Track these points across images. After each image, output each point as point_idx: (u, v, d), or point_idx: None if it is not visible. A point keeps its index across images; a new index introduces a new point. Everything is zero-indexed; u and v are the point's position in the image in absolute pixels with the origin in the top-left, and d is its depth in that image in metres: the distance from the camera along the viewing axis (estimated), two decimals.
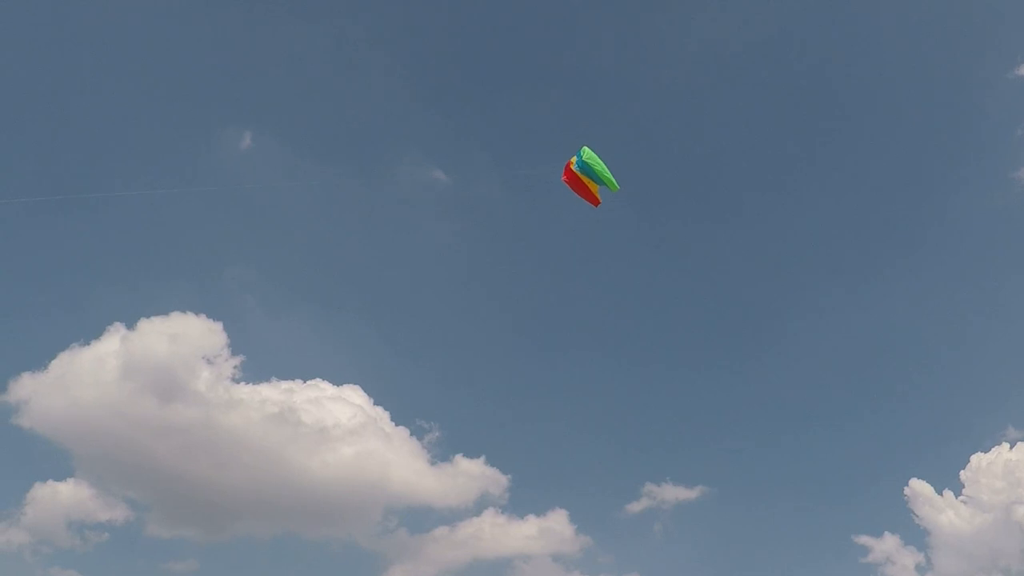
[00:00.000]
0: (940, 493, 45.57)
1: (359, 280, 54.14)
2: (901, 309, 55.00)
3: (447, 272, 55.31)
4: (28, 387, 43.66)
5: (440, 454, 47.64)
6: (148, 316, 45.40)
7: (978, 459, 45.60)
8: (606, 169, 24.56)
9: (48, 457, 43.66)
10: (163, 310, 45.68)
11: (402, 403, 48.71)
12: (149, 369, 44.33)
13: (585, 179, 25.07)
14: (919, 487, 45.71)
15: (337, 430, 46.18)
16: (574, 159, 24.94)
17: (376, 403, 47.93)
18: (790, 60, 58.24)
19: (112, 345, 45.03)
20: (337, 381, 48.28)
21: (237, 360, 46.63)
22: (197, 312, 46.20)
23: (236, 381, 46.56)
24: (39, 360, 43.90)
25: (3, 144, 48.22)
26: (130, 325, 45.17)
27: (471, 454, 47.55)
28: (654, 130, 58.83)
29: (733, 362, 53.94)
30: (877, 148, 57.89)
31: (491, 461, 47.26)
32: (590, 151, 24.66)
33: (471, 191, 56.20)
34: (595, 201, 25.64)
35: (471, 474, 47.31)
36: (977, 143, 56.48)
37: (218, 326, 46.55)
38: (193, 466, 44.23)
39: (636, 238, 57.11)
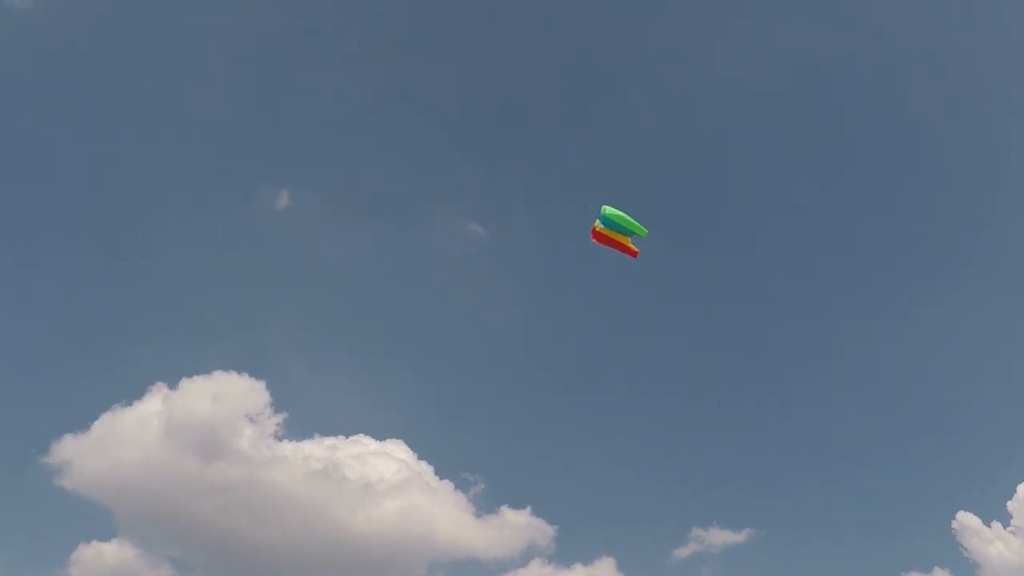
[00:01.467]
0: (988, 525, 45.26)
1: (399, 335, 54.66)
2: (943, 342, 55.51)
3: (487, 324, 56.02)
4: (70, 448, 44.03)
5: (485, 506, 47.71)
6: (190, 375, 46.09)
7: None
8: (630, 219, 25.51)
9: (91, 518, 43.85)
10: (205, 369, 46.41)
11: (446, 456, 48.91)
12: (191, 428, 44.82)
13: (614, 234, 26.04)
14: (967, 520, 45.40)
15: (381, 485, 46.31)
16: (598, 222, 25.92)
17: (420, 457, 48.17)
18: (824, 96, 60.60)
19: (154, 405, 45.59)
20: (380, 436, 48.65)
21: (280, 418, 47.20)
22: (240, 371, 46.96)
23: (279, 439, 47.06)
24: (81, 421, 44.36)
25: (48, 207, 48.99)
26: (172, 385, 45.82)
27: (517, 505, 47.56)
28: (690, 173, 60.67)
29: (776, 403, 54.30)
30: (919, 182, 59.66)
31: (537, 511, 47.22)
32: (610, 208, 25.59)
33: (509, 244, 57.56)
34: (632, 252, 26.45)
35: (517, 525, 47.21)
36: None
37: (260, 384, 47.21)
38: (237, 524, 44.22)
39: (676, 283, 58.26)
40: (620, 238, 26.12)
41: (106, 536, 43.37)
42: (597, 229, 26.02)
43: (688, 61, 60.97)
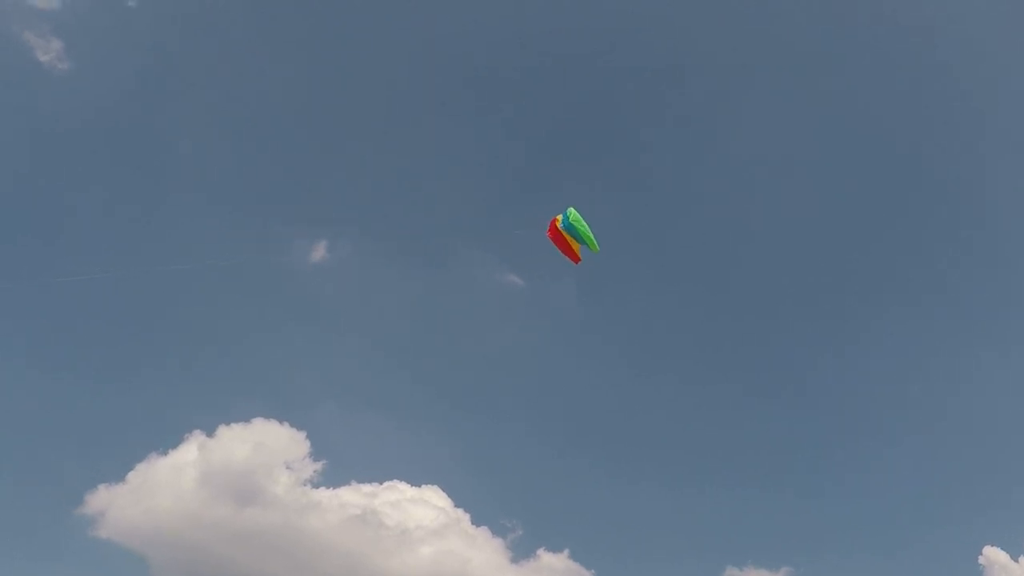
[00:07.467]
0: (1016, 560, 43.75)
1: (435, 382, 53.94)
2: (967, 374, 55.07)
3: (522, 373, 55.73)
4: (105, 499, 44.34)
5: (523, 551, 46.89)
6: (228, 423, 46.45)
7: None
8: (589, 231, 25.88)
9: (127, 567, 43.86)
10: (244, 417, 46.86)
11: (483, 502, 48.36)
12: (229, 475, 45.36)
13: (569, 238, 26.38)
14: (994, 555, 43.98)
15: (419, 532, 45.94)
16: (559, 217, 26.28)
17: (457, 504, 47.61)
18: None
19: (191, 453, 45.85)
20: (416, 482, 48.28)
21: (317, 465, 47.25)
22: (278, 418, 47.33)
23: (316, 486, 47.02)
24: (117, 472, 44.76)
25: (82, 257, 50.27)
26: (210, 432, 46.21)
27: (554, 548, 46.64)
28: (724, 226, 61.15)
29: (812, 441, 53.56)
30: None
31: (575, 555, 46.22)
32: (576, 213, 25.95)
33: (545, 294, 57.33)
34: (576, 259, 26.88)
35: (555, 569, 46.24)
36: None
37: (297, 431, 47.52)
38: (275, 571, 44.28)
39: (712, 331, 57.96)
40: (572, 243, 26.55)
41: None
42: (556, 226, 26.44)
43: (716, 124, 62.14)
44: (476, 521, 47.06)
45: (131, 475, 44.41)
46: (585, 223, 25.94)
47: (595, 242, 26.03)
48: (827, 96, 61.73)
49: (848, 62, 61.35)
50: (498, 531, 47.06)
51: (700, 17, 60.99)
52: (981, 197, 60.05)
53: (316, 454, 47.09)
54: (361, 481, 47.53)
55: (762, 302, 58.54)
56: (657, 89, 61.76)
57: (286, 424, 47.07)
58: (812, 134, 61.88)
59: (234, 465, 45.12)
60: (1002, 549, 44.09)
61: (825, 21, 61.43)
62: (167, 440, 45.70)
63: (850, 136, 62.09)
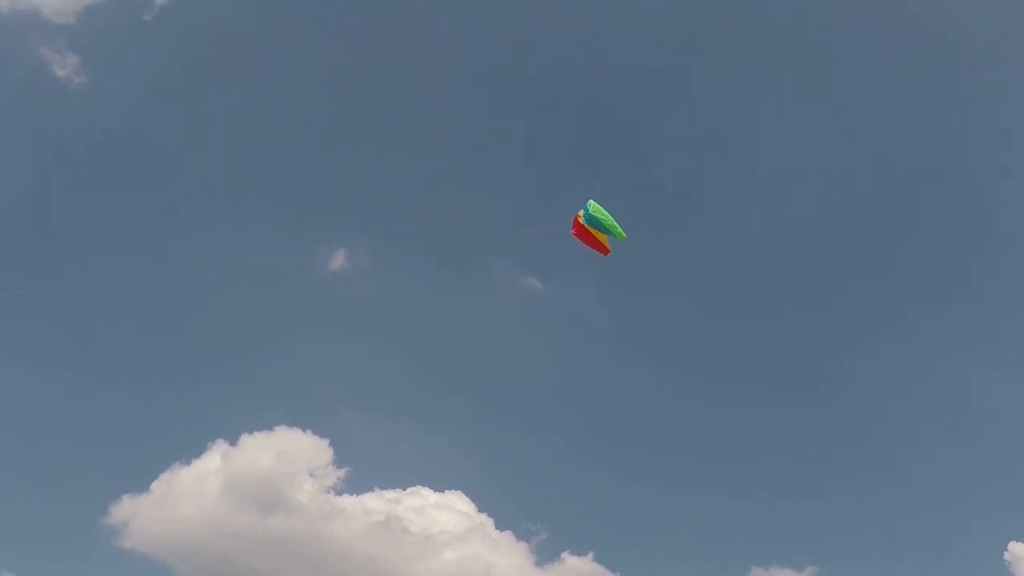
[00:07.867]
0: None
1: (457, 388, 54.13)
2: (989, 370, 53.66)
3: (543, 377, 55.25)
4: (129, 509, 44.40)
5: (547, 554, 46.62)
6: (251, 432, 46.47)
7: None
8: (612, 220, 25.82)
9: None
10: (267, 425, 46.88)
11: (507, 507, 48.29)
12: (252, 484, 45.37)
13: (593, 231, 26.30)
14: (1019, 550, 43.26)
15: (443, 537, 45.70)
16: (581, 212, 26.20)
17: (480, 509, 47.38)
18: None
19: (214, 462, 45.93)
20: (439, 488, 48.12)
21: (341, 472, 47.31)
22: (300, 425, 47.39)
23: (339, 493, 47.06)
24: (140, 482, 44.72)
25: (101, 267, 50.86)
26: (232, 441, 46.27)
27: (579, 551, 46.34)
28: (738, 227, 60.71)
29: (837, 441, 53.30)
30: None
31: (599, 558, 45.90)
32: (595, 204, 25.86)
33: (565, 297, 57.34)
34: (604, 250, 26.78)
35: (579, 572, 45.97)
36: None
37: (320, 438, 47.42)
38: None
39: (737, 335, 57.85)
40: (598, 235, 26.47)
41: None
42: (579, 221, 26.38)
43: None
44: (500, 525, 47.00)
45: (155, 485, 44.57)
46: (607, 213, 25.92)
47: (620, 229, 25.94)
48: (842, 96, 61.73)
49: (868, 61, 61.27)
50: (522, 535, 47.03)
51: (718, 18, 61.42)
52: (996, 197, 59.89)
53: (339, 461, 47.26)
54: (384, 487, 47.54)
55: (790, 302, 58.59)
56: (674, 90, 61.98)
57: (309, 432, 47.25)
58: (830, 134, 61.70)
59: (257, 473, 45.31)
60: None
61: (837, 22, 61.71)
62: (190, 449, 45.88)
63: (869, 136, 62.00)
